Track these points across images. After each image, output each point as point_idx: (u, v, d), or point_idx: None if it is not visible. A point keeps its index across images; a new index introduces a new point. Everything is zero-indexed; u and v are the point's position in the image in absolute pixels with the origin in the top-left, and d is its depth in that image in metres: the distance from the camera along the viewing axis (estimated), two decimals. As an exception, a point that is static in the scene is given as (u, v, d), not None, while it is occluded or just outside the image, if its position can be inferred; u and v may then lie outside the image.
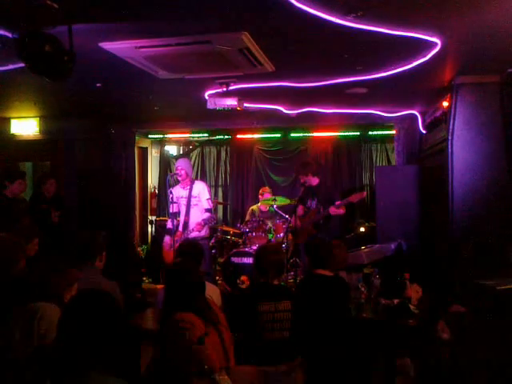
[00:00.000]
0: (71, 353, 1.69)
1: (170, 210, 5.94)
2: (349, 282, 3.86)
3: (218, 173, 9.61)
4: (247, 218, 7.75)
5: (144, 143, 9.22)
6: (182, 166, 5.97)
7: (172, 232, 5.68)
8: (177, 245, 5.60)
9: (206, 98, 5.49)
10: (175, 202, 6.00)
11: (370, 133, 8.09)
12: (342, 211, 5.62)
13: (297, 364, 3.06)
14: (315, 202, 5.85)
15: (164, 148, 9.76)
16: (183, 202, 6.01)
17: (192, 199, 5.97)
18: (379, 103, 6.53)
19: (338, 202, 5.56)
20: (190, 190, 5.97)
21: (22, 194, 5.73)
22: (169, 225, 5.96)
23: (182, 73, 4.55)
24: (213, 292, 3.29)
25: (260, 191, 7.90)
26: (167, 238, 5.95)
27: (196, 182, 6.13)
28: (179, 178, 6.02)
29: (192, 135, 9.00)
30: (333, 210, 5.56)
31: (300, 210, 5.94)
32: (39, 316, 2.35)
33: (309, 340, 3.21)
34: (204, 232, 5.91)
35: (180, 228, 5.93)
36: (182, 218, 6.00)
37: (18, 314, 2.40)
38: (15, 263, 3.26)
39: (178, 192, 6.04)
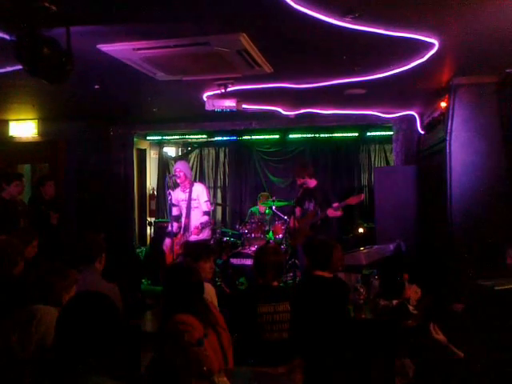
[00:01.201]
0: (69, 355, 1.69)
1: (173, 213, 5.97)
2: (347, 282, 3.86)
3: (216, 174, 9.62)
4: (247, 219, 7.77)
5: (142, 145, 9.23)
6: (180, 168, 5.97)
7: (171, 234, 5.68)
8: (176, 247, 5.62)
9: (205, 99, 5.50)
10: (176, 205, 6.01)
11: (369, 134, 8.11)
12: (339, 213, 5.63)
13: (296, 365, 3.06)
14: (313, 203, 5.86)
15: (163, 149, 9.76)
16: (183, 204, 6.02)
17: (192, 202, 5.98)
18: (377, 104, 6.54)
19: (335, 205, 5.57)
20: (190, 192, 5.98)
21: (20, 195, 5.72)
22: (169, 227, 5.97)
23: (180, 74, 4.55)
24: (208, 291, 3.29)
25: (259, 196, 7.91)
26: (168, 241, 5.95)
27: (195, 184, 6.14)
28: (178, 180, 6.03)
29: (191, 137, 9.00)
30: (331, 212, 5.57)
31: (297, 211, 5.94)
32: (37, 318, 2.34)
33: (308, 341, 3.21)
34: (206, 234, 5.93)
35: (181, 231, 5.96)
36: (182, 221, 6.01)
37: (17, 316, 2.40)
38: (14, 265, 3.26)
39: (178, 195, 6.05)
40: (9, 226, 4.83)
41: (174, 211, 6.02)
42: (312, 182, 5.93)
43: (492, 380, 2.47)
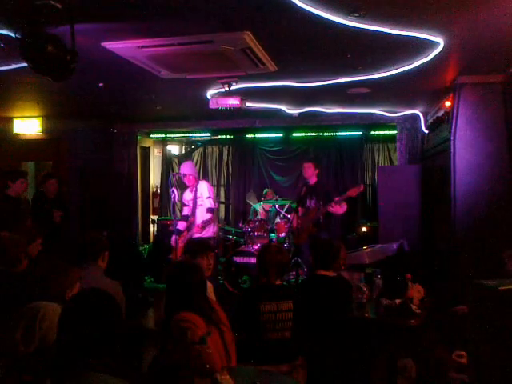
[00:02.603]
0: (71, 352, 1.69)
1: (183, 213, 6.05)
2: (350, 281, 3.86)
3: (220, 172, 9.61)
4: (251, 217, 7.77)
5: (146, 143, 9.23)
6: (189, 172, 6.02)
7: (179, 232, 5.73)
8: (182, 244, 5.65)
9: (209, 97, 5.50)
10: (187, 205, 6.10)
11: (372, 133, 8.09)
12: (344, 207, 5.62)
13: (298, 364, 3.06)
14: (314, 200, 5.87)
15: (166, 148, 9.76)
16: (190, 203, 6.08)
17: (198, 200, 6.04)
18: (381, 103, 6.53)
19: (337, 198, 5.59)
20: (196, 191, 6.04)
21: (25, 193, 5.74)
22: (178, 226, 5.99)
23: (184, 72, 4.55)
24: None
25: (263, 193, 7.91)
26: (173, 237, 5.98)
27: (200, 182, 6.20)
28: (188, 184, 6.07)
29: (194, 135, 9.01)
30: (335, 208, 5.58)
31: (300, 210, 5.95)
32: (41, 315, 2.35)
33: (311, 340, 3.21)
34: (210, 232, 5.95)
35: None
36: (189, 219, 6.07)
37: (20, 314, 2.40)
38: (17, 262, 3.27)
39: (187, 196, 6.15)
40: (14, 224, 4.84)
41: (185, 211, 6.11)
42: (313, 179, 5.97)
43: (496, 380, 2.46)
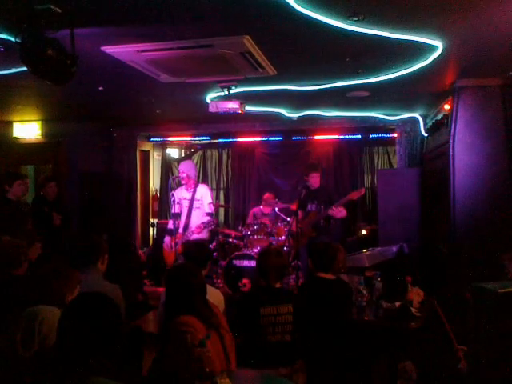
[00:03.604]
0: (70, 355, 1.69)
1: (172, 211, 6.01)
2: (350, 284, 3.86)
3: (219, 176, 9.60)
4: (249, 220, 7.76)
5: (146, 146, 9.23)
6: (183, 170, 6.02)
7: (173, 232, 5.71)
8: (178, 246, 5.64)
9: (208, 101, 5.51)
10: (178, 203, 6.05)
11: (372, 136, 8.10)
12: (344, 212, 5.61)
13: (298, 367, 3.05)
14: (315, 205, 5.86)
15: (166, 151, 9.77)
16: (185, 203, 6.05)
17: (194, 202, 6.02)
18: (381, 106, 6.54)
19: (338, 202, 5.60)
20: (194, 192, 6.02)
21: (25, 196, 5.73)
22: (170, 225, 6.00)
23: (183, 76, 4.56)
24: (215, 296, 3.28)
25: (264, 197, 7.89)
26: (167, 239, 5.99)
27: (200, 185, 6.20)
28: (182, 182, 6.07)
29: (194, 138, 9.02)
30: (336, 212, 5.56)
31: (300, 214, 5.94)
32: (40, 319, 2.35)
33: (310, 343, 3.21)
34: (204, 234, 5.95)
35: (180, 230, 5.97)
36: (182, 220, 6.04)
37: (20, 317, 2.40)
38: (17, 266, 3.28)
39: (181, 193, 6.09)
40: (14, 227, 4.84)
41: (176, 209, 6.06)
42: (316, 183, 5.95)
43: (495, 381, 2.47)
